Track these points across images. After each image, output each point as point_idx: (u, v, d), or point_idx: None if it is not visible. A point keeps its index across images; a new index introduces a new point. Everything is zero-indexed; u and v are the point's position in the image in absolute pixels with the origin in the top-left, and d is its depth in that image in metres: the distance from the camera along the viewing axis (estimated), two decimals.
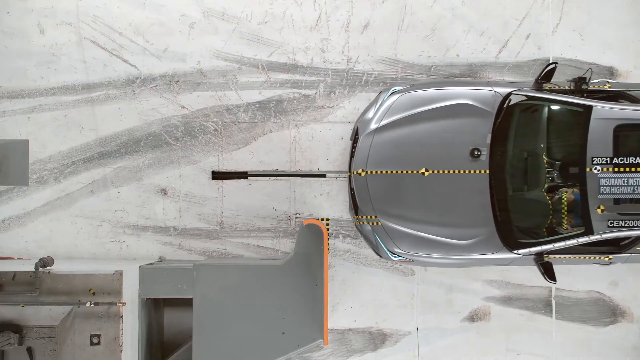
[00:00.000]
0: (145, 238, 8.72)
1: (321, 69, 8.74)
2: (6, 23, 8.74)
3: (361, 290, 8.73)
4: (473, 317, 8.75)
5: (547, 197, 7.34)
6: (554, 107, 7.36)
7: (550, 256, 7.37)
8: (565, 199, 7.28)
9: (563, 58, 8.81)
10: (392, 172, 7.28)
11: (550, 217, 7.34)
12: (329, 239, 7.67)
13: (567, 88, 7.38)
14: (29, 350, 6.84)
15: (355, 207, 7.58)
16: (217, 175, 8.70)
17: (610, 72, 8.80)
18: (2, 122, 8.70)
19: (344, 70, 8.74)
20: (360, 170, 7.28)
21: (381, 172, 7.28)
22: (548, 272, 7.26)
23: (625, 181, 7.00)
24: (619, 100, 7.38)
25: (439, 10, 8.82)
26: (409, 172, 7.24)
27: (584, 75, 7.33)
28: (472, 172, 7.20)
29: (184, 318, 8.06)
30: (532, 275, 8.75)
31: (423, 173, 7.21)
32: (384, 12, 8.79)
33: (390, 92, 7.51)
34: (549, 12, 8.87)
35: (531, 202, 7.40)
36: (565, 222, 7.30)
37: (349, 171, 7.57)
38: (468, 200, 7.20)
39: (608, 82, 7.50)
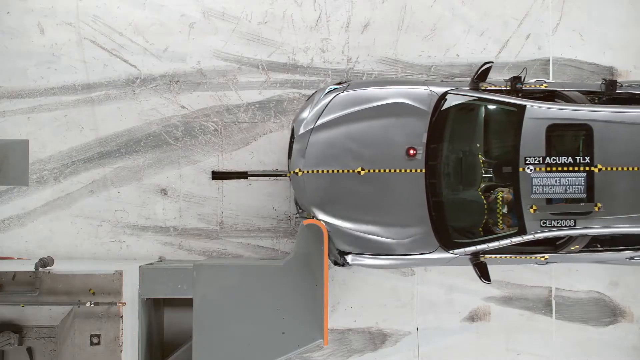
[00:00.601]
0: (145, 238, 8.72)
1: (321, 69, 8.74)
2: (6, 23, 8.74)
3: (361, 290, 8.73)
4: (473, 317, 8.75)
5: (483, 197, 7.31)
6: (490, 107, 7.32)
7: (487, 256, 7.33)
8: (501, 198, 7.26)
9: (563, 58, 8.81)
10: (328, 171, 7.23)
11: (486, 217, 7.31)
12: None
13: (503, 87, 7.34)
14: (29, 350, 6.84)
15: (297, 206, 7.58)
16: (217, 175, 8.70)
17: (610, 72, 8.80)
18: (2, 122, 8.70)
19: (344, 70, 8.75)
20: (297, 170, 7.26)
21: (318, 171, 7.23)
22: (482, 272, 7.21)
23: (558, 181, 6.97)
24: (555, 100, 7.33)
25: (439, 10, 8.82)
26: (345, 171, 7.20)
27: (519, 75, 7.28)
28: (408, 171, 7.17)
29: (184, 318, 8.06)
30: (532, 276, 8.75)
31: (359, 172, 7.18)
32: (384, 12, 8.79)
33: (327, 91, 7.44)
34: (549, 12, 8.87)
35: (467, 202, 7.36)
36: (501, 222, 7.27)
37: (288, 171, 7.52)
38: (404, 200, 7.16)
39: (544, 82, 7.45)
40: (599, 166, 6.96)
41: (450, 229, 7.24)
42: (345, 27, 8.79)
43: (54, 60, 8.72)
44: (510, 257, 7.37)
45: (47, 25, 8.74)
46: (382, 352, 8.75)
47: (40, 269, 6.91)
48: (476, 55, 8.74)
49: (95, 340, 6.93)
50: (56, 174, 8.71)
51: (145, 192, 8.72)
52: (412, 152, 7.14)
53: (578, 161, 6.97)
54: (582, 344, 8.75)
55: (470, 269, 8.70)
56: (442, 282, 8.73)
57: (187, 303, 7.52)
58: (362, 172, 7.16)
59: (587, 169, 6.96)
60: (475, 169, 7.32)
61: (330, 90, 7.43)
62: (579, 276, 8.75)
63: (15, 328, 6.80)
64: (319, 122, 7.28)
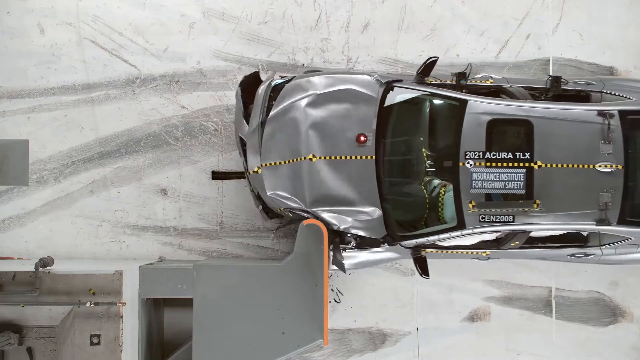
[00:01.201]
0: (145, 238, 8.72)
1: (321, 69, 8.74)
2: (6, 23, 8.74)
3: (361, 290, 8.73)
4: (473, 317, 8.75)
5: (425, 191, 7.31)
6: (434, 101, 7.32)
7: (429, 250, 7.34)
8: (443, 192, 7.26)
9: (563, 58, 8.81)
10: (284, 162, 7.23)
11: (427, 211, 7.31)
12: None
13: (448, 82, 7.34)
14: (29, 350, 6.84)
15: (261, 203, 7.58)
16: (217, 175, 8.69)
17: (610, 71, 8.80)
18: (2, 122, 8.70)
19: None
20: (256, 169, 7.27)
21: (274, 163, 7.24)
22: (422, 267, 7.23)
23: (497, 176, 6.95)
24: (500, 95, 7.32)
25: (439, 10, 8.82)
26: (299, 159, 7.20)
27: (463, 71, 7.27)
28: (359, 157, 7.17)
29: (184, 318, 8.05)
30: (532, 276, 8.75)
31: (311, 159, 7.19)
32: (384, 12, 8.79)
33: (272, 85, 7.42)
34: (549, 12, 8.87)
35: (410, 195, 7.37)
36: (442, 217, 7.27)
37: (246, 172, 7.51)
38: (357, 186, 7.18)
39: (491, 78, 7.45)
40: (539, 162, 6.94)
41: (394, 222, 7.25)
42: (345, 27, 8.79)
43: (54, 60, 8.72)
44: (453, 252, 7.37)
45: (47, 25, 8.74)
46: (382, 352, 8.75)
47: (40, 269, 6.91)
48: (476, 55, 8.74)
49: (95, 340, 6.93)
50: (56, 174, 8.71)
51: (145, 192, 8.72)
52: (362, 138, 7.14)
53: (518, 157, 6.94)
54: (582, 344, 8.75)
55: (471, 270, 8.72)
56: (442, 282, 8.73)
57: (187, 303, 7.52)
58: (314, 159, 7.17)
59: (526, 165, 6.94)
60: (419, 163, 7.31)
61: (276, 85, 7.43)
62: (579, 276, 8.75)
63: (15, 328, 6.80)
64: (271, 113, 7.27)
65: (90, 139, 8.71)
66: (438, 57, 7.19)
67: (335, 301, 8.38)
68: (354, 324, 8.75)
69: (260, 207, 7.70)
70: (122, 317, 6.94)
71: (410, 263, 8.71)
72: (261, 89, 7.43)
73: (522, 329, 8.75)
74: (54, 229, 8.69)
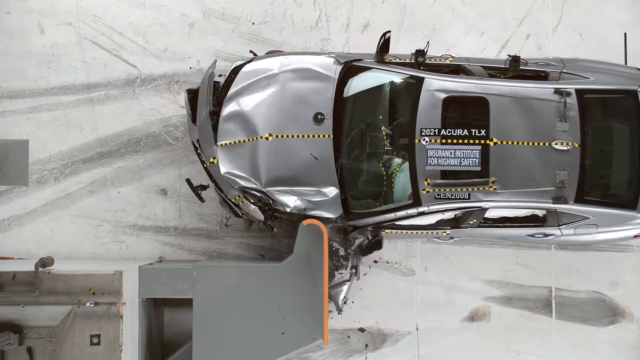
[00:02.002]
0: (145, 238, 8.72)
1: None
2: (6, 23, 8.74)
3: (361, 290, 8.73)
4: (473, 317, 8.76)
5: (384, 170, 7.30)
6: (393, 80, 7.30)
7: (389, 231, 7.34)
8: (398, 169, 7.24)
9: (563, 58, 8.80)
10: (240, 141, 7.24)
11: (385, 189, 7.30)
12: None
13: (407, 61, 7.35)
14: (29, 350, 6.84)
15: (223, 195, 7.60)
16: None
17: None
18: (2, 122, 8.70)
19: None
20: (212, 159, 7.27)
21: (230, 143, 7.24)
22: (375, 246, 7.27)
23: (452, 153, 6.95)
24: (459, 74, 7.31)
25: (439, 10, 8.82)
26: (255, 138, 7.20)
27: (422, 49, 7.28)
28: (316, 136, 7.17)
29: (184, 318, 8.05)
30: (532, 276, 8.75)
31: (267, 138, 7.18)
32: (384, 12, 8.79)
33: (233, 67, 7.46)
34: (549, 12, 8.88)
35: (368, 174, 7.35)
36: (400, 195, 7.25)
37: (203, 164, 7.52)
38: (314, 165, 7.17)
39: (451, 56, 7.45)
40: (494, 140, 6.95)
41: (352, 200, 7.26)
42: (345, 27, 8.80)
43: (54, 60, 8.72)
44: (414, 232, 7.37)
45: (47, 25, 8.74)
46: (382, 352, 8.75)
47: (40, 269, 6.91)
48: (476, 55, 8.73)
49: (95, 340, 6.93)
50: (56, 174, 8.72)
51: (145, 192, 8.72)
52: (319, 117, 7.17)
53: (473, 134, 6.95)
54: (582, 344, 8.75)
55: (470, 270, 8.72)
56: (442, 282, 8.73)
57: (187, 303, 7.52)
58: (270, 138, 7.17)
59: (482, 142, 6.94)
60: (377, 141, 7.28)
61: (236, 67, 7.45)
62: (579, 276, 8.76)
63: (15, 328, 6.80)
64: (229, 93, 7.29)
65: (90, 139, 8.71)
66: (390, 31, 7.18)
67: (338, 311, 8.37)
68: (354, 324, 8.75)
69: (226, 206, 7.68)
70: (122, 317, 6.94)
71: (410, 263, 8.73)
72: (203, 79, 7.44)
73: (522, 329, 8.75)
74: (54, 229, 8.69)
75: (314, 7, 8.76)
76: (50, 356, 6.85)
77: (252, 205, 7.38)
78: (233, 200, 7.44)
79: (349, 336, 8.72)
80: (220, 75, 7.64)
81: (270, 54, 7.70)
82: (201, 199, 7.85)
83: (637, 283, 8.77)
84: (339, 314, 8.23)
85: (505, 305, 8.76)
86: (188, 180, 7.86)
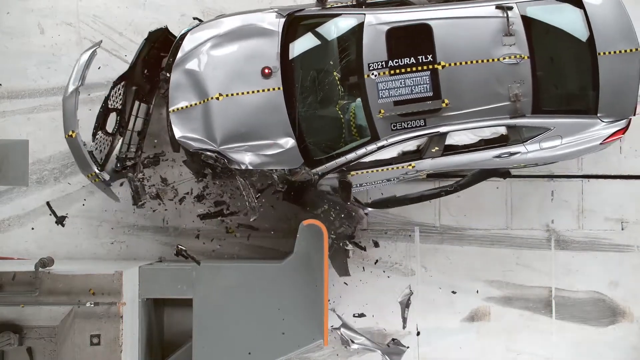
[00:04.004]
0: (145, 238, 8.72)
1: None
2: (6, 23, 8.74)
3: (361, 290, 8.74)
4: (473, 317, 8.76)
5: (340, 113, 7.30)
6: (338, 23, 7.31)
7: (354, 173, 7.35)
8: (354, 109, 7.24)
9: None
10: (191, 105, 7.35)
11: (344, 132, 7.31)
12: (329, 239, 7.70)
13: (349, 3, 7.39)
14: (29, 351, 6.84)
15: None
16: (217, 175, 8.68)
17: None
18: (2, 122, 8.70)
19: None
20: (71, 132, 7.29)
21: (182, 107, 7.36)
22: (346, 191, 7.29)
23: (402, 82, 6.95)
24: (404, 6, 7.31)
25: None
26: (206, 100, 7.30)
27: None
28: (266, 90, 7.23)
29: (184, 318, 8.05)
30: (532, 276, 8.75)
31: (217, 98, 7.25)
32: None
33: (182, 33, 7.61)
34: None
35: (325, 119, 7.37)
36: (357, 134, 7.25)
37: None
38: (267, 118, 7.23)
39: None
40: (442, 63, 6.94)
41: (312, 147, 7.28)
42: None
43: (54, 60, 8.72)
44: (379, 170, 7.37)
45: (47, 25, 8.74)
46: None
47: (40, 269, 6.91)
48: None
49: (95, 340, 6.93)
50: (56, 174, 8.71)
51: (145, 192, 8.71)
52: (267, 71, 7.22)
53: (420, 61, 6.95)
54: (582, 344, 8.75)
55: (470, 269, 8.72)
56: (442, 282, 8.73)
57: (187, 303, 7.53)
58: (221, 98, 7.25)
59: (430, 67, 6.94)
60: (331, 85, 7.29)
61: (183, 33, 7.58)
62: (579, 276, 8.76)
63: (15, 328, 6.80)
64: (177, 59, 7.41)
65: (90, 139, 8.68)
66: None
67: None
68: (354, 324, 8.75)
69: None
70: (122, 317, 6.94)
71: (410, 263, 8.73)
72: (83, 55, 7.46)
73: (522, 329, 8.75)
74: (54, 229, 8.69)
75: None
76: (50, 356, 6.85)
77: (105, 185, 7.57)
78: (88, 177, 7.51)
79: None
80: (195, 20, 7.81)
81: (218, 17, 7.76)
82: (61, 224, 8.07)
83: (637, 283, 8.77)
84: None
85: (505, 305, 8.76)
86: (48, 203, 8.15)
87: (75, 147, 7.34)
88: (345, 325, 8.59)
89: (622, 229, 8.75)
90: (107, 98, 7.73)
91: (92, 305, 6.88)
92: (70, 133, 7.29)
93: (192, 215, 8.71)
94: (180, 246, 7.77)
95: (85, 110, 8.70)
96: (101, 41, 7.74)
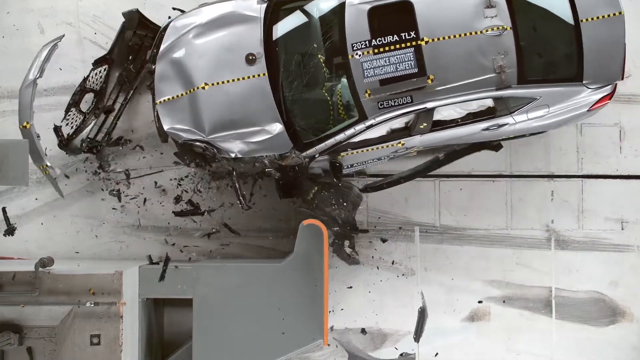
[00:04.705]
0: (145, 238, 8.72)
1: None
2: (6, 23, 8.74)
3: (361, 290, 8.73)
4: (473, 317, 8.76)
5: (327, 95, 7.32)
6: (320, 5, 7.33)
7: (345, 154, 7.39)
8: (339, 91, 7.26)
9: None
10: (177, 95, 7.38)
11: (332, 113, 7.33)
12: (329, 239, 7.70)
13: None
14: (29, 350, 6.85)
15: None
16: (217, 175, 8.68)
17: None
18: (2, 122, 8.70)
19: None
20: (25, 124, 7.39)
21: (169, 99, 7.39)
22: (336, 172, 7.38)
23: (387, 60, 6.97)
24: None
25: None
26: (192, 90, 7.33)
27: None
28: (251, 77, 7.26)
29: (184, 318, 8.06)
30: (532, 276, 8.75)
31: (204, 87, 7.29)
32: None
33: (165, 24, 7.66)
34: None
35: (312, 102, 7.39)
36: (345, 115, 7.27)
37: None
38: (254, 105, 7.27)
39: None
40: (425, 39, 6.95)
41: (300, 131, 7.31)
42: None
43: (53, 60, 8.66)
44: (369, 149, 7.40)
45: (47, 25, 8.74)
46: (382, 352, 8.75)
47: (40, 269, 6.91)
48: None
49: (95, 340, 6.93)
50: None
51: (146, 192, 8.71)
52: (251, 58, 7.26)
53: (404, 38, 6.96)
54: (582, 344, 8.75)
55: (470, 269, 8.72)
56: (442, 282, 8.73)
57: (187, 303, 7.53)
58: (207, 87, 7.29)
59: (414, 43, 6.95)
60: (316, 68, 7.31)
61: (166, 25, 7.64)
62: (579, 276, 8.76)
63: (15, 328, 6.80)
64: (160, 50, 7.44)
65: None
66: None
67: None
68: (354, 324, 8.75)
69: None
70: (122, 317, 6.94)
71: (410, 263, 8.73)
72: (43, 48, 7.56)
73: (522, 329, 8.75)
74: (54, 229, 8.69)
75: None
76: (50, 356, 6.86)
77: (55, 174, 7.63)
78: (40, 168, 7.57)
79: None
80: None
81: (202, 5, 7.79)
82: (10, 234, 8.22)
83: (637, 283, 8.77)
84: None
85: (505, 305, 8.76)
86: (3, 209, 8.23)
87: (28, 138, 7.37)
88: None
89: (622, 229, 8.75)
90: (85, 78, 7.95)
91: (92, 305, 6.89)
92: (24, 124, 7.37)
93: (195, 217, 8.72)
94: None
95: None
96: (63, 35, 7.82)
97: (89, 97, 8.28)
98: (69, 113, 8.01)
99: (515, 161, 8.77)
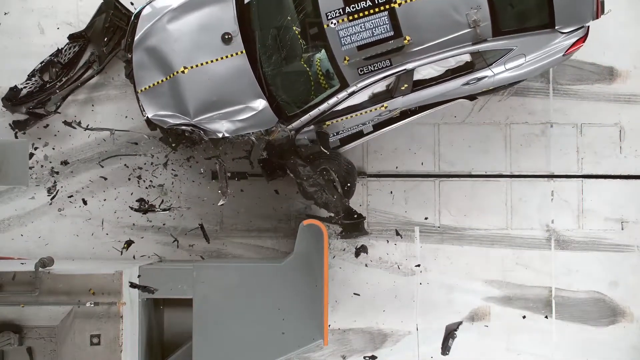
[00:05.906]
0: (145, 238, 8.72)
1: None
2: (6, 23, 8.74)
3: (361, 290, 8.73)
4: (473, 317, 8.76)
5: (307, 67, 7.35)
6: None
7: (329, 122, 7.44)
8: (319, 62, 7.29)
9: None
10: (158, 82, 7.42)
11: (313, 84, 7.36)
12: (329, 239, 7.70)
13: None
14: (29, 350, 6.85)
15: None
16: (217, 175, 8.69)
17: (610, 72, 8.80)
18: (2, 122, 8.70)
19: None
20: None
21: (150, 86, 7.45)
22: (323, 141, 7.41)
23: (362, 26, 6.99)
24: None
25: None
26: (172, 75, 7.38)
27: None
28: (229, 56, 7.30)
29: (184, 318, 8.05)
30: (532, 276, 8.75)
31: (183, 72, 7.33)
32: None
33: (135, 12, 7.63)
34: None
35: (292, 75, 7.42)
36: (325, 84, 7.31)
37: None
38: (236, 83, 7.31)
39: None
40: (399, 1, 6.96)
41: (284, 104, 7.35)
42: None
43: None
44: (353, 115, 7.46)
45: (47, 25, 8.74)
46: (382, 352, 8.75)
47: (40, 269, 6.91)
48: None
49: (95, 340, 6.93)
50: (56, 174, 8.71)
51: (146, 191, 8.72)
52: (227, 37, 7.30)
53: (377, 2, 6.97)
54: (582, 344, 8.76)
55: (470, 269, 8.72)
56: (442, 282, 8.73)
57: (187, 303, 7.53)
58: (186, 70, 7.33)
59: (387, 7, 6.96)
60: (293, 40, 7.33)
61: (137, 12, 7.60)
62: (579, 276, 8.76)
63: (15, 328, 6.80)
64: (135, 39, 7.44)
65: (90, 139, 8.70)
66: None
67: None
68: (354, 324, 8.75)
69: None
70: (122, 317, 6.94)
71: (410, 263, 8.73)
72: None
73: (522, 329, 8.75)
74: (54, 229, 8.69)
75: None
76: (50, 356, 6.85)
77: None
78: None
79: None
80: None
81: None
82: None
83: (637, 283, 8.78)
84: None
85: (505, 305, 8.76)
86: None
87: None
88: None
89: (622, 229, 8.75)
90: (59, 50, 8.13)
91: (92, 305, 6.88)
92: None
93: (194, 217, 8.72)
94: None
95: (86, 108, 8.72)
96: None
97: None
98: (32, 79, 8.20)
99: (515, 161, 8.77)
